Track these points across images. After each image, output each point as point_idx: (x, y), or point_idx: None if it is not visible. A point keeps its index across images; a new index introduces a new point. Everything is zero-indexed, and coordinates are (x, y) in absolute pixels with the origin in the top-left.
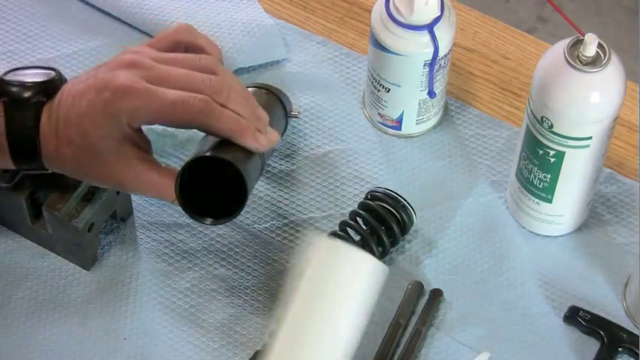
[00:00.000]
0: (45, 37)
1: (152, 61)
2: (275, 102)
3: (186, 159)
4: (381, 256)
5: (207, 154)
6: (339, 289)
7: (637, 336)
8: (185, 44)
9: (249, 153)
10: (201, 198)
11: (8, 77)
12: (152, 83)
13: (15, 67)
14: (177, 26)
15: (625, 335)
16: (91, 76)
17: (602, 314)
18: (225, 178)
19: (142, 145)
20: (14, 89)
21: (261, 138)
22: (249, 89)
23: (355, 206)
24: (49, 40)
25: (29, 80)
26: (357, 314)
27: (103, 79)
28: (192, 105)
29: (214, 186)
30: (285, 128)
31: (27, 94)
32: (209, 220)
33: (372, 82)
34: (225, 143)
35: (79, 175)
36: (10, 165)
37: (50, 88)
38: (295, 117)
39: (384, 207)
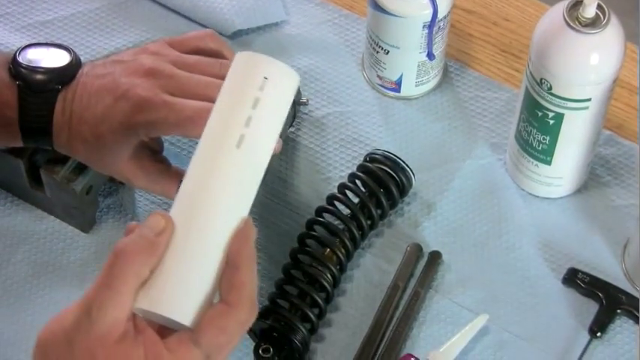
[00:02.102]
0: None
1: (172, 68)
2: None
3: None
4: (380, 219)
5: None
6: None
7: (636, 298)
8: (208, 52)
9: None
10: None
11: (22, 58)
12: (171, 93)
13: (30, 42)
14: (202, 32)
15: (624, 297)
16: (108, 72)
17: (601, 276)
18: None
19: (155, 147)
20: (29, 73)
21: None
22: None
23: (354, 169)
24: (46, 2)
25: (44, 65)
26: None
27: (122, 85)
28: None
29: None
30: (294, 117)
31: (42, 81)
32: None
33: (371, 44)
34: None
35: (89, 165)
36: (19, 144)
37: (66, 74)
38: (304, 104)
39: (383, 169)
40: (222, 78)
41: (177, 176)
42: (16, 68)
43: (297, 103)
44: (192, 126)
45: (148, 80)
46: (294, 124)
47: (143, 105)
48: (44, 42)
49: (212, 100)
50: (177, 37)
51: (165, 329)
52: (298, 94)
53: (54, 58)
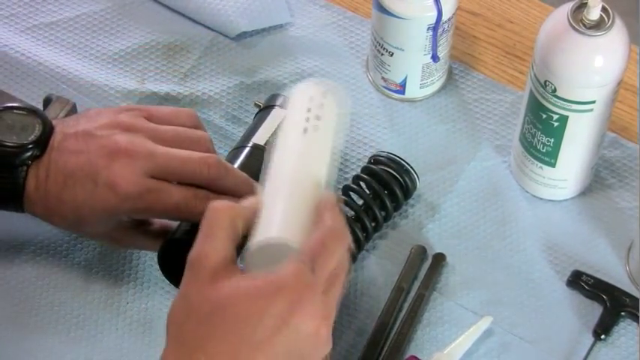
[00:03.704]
0: (48, 1)
1: (147, 144)
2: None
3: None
4: (384, 221)
5: (178, 236)
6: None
7: (639, 300)
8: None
9: None
10: None
11: None
12: (151, 173)
13: None
14: (180, 109)
15: (628, 299)
16: (81, 150)
17: (605, 279)
18: None
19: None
20: None
21: None
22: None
23: (358, 170)
24: (51, 3)
25: (10, 141)
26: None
27: (101, 170)
28: (194, 207)
29: None
30: None
31: (12, 155)
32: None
33: (376, 46)
34: None
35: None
36: None
37: (38, 147)
38: None
39: (388, 171)
40: (199, 148)
41: (158, 234)
42: None
43: None
44: (177, 214)
45: (128, 164)
46: None
47: (128, 194)
48: (16, 105)
49: (192, 175)
50: (153, 109)
51: None
52: None
53: (22, 127)
